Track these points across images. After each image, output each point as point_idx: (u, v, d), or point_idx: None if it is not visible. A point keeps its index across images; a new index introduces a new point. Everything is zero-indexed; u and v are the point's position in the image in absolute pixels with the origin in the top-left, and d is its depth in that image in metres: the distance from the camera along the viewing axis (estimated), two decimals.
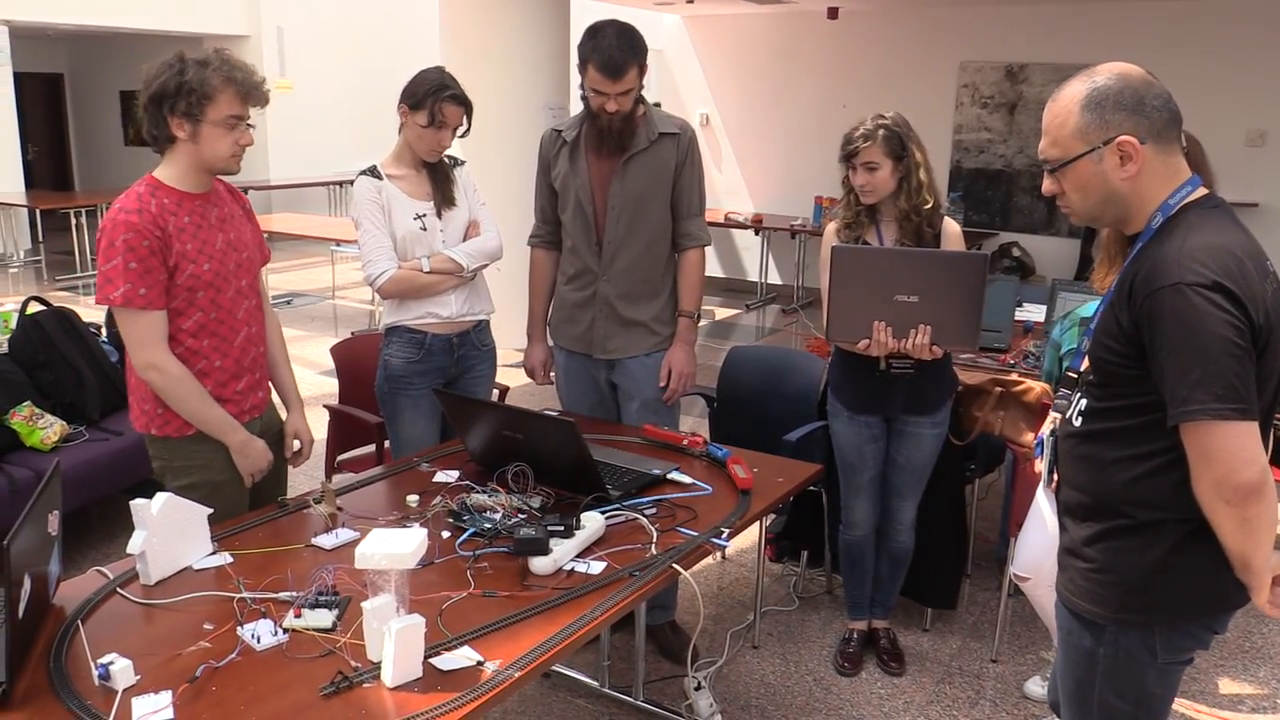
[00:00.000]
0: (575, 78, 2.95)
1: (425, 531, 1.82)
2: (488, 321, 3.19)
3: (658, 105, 3.03)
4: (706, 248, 3.14)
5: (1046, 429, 1.94)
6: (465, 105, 2.91)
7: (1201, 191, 1.68)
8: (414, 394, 3.03)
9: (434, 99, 2.84)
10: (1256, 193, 7.39)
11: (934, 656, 3.34)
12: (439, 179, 3.02)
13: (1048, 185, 1.75)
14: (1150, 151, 1.63)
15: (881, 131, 2.78)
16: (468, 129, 2.97)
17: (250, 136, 2.43)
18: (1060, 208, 1.78)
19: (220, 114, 2.33)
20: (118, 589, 1.93)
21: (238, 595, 1.88)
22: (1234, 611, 1.74)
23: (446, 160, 3.06)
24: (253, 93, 2.38)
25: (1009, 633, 3.46)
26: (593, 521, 2.15)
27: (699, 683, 2.95)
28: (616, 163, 2.95)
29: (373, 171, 2.99)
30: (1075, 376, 1.82)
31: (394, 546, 1.71)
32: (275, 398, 2.72)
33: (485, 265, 3.08)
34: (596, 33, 2.81)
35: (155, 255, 2.31)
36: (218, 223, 2.48)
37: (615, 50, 2.77)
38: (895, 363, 2.86)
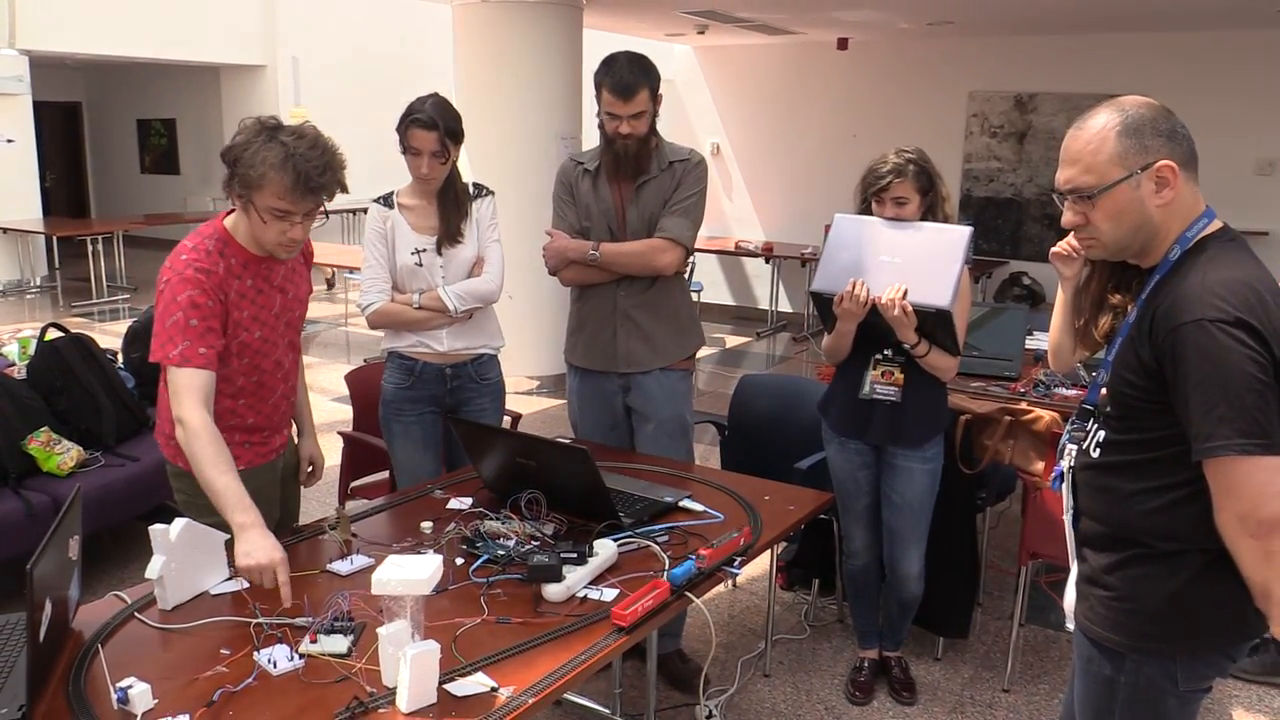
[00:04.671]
0: (588, 108, 3.01)
1: (440, 558, 1.83)
2: (493, 356, 3.16)
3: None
4: (679, 253, 2.99)
5: (1066, 463, 1.91)
6: (435, 128, 2.83)
7: (1218, 224, 1.68)
8: (405, 420, 3.05)
9: (404, 126, 2.88)
10: (1266, 221, 7.41)
11: (946, 686, 3.32)
12: (448, 212, 2.98)
13: (1070, 217, 1.71)
14: (1182, 178, 1.64)
15: (912, 166, 2.81)
16: (447, 154, 2.89)
17: (300, 231, 2.20)
18: (1081, 242, 1.76)
19: (265, 203, 2.14)
20: (136, 613, 1.95)
21: (254, 620, 1.90)
22: (1252, 640, 1.74)
23: (470, 190, 3.04)
24: (297, 190, 2.11)
25: (1021, 662, 3.44)
26: (605, 549, 2.16)
27: (710, 711, 2.96)
28: (631, 188, 3.01)
29: (386, 199, 3.01)
30: (1091, 409, 1.81)
31: (409, 572, 1.73)
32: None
33: (478, 307, 3.05)
34: (610, 60, 2.94)
35: (217, 317, 2.21)
36: (280, 283, 2.38)
37: (626, 73, 2.88)
38: (879, 388, 2.88)
